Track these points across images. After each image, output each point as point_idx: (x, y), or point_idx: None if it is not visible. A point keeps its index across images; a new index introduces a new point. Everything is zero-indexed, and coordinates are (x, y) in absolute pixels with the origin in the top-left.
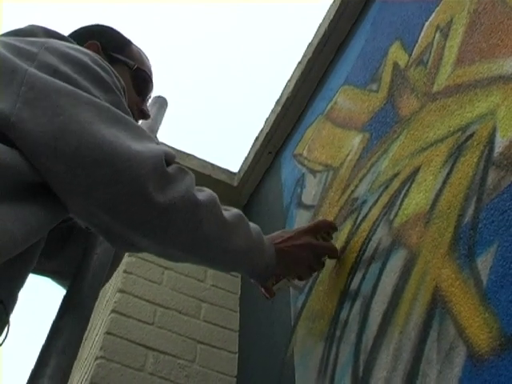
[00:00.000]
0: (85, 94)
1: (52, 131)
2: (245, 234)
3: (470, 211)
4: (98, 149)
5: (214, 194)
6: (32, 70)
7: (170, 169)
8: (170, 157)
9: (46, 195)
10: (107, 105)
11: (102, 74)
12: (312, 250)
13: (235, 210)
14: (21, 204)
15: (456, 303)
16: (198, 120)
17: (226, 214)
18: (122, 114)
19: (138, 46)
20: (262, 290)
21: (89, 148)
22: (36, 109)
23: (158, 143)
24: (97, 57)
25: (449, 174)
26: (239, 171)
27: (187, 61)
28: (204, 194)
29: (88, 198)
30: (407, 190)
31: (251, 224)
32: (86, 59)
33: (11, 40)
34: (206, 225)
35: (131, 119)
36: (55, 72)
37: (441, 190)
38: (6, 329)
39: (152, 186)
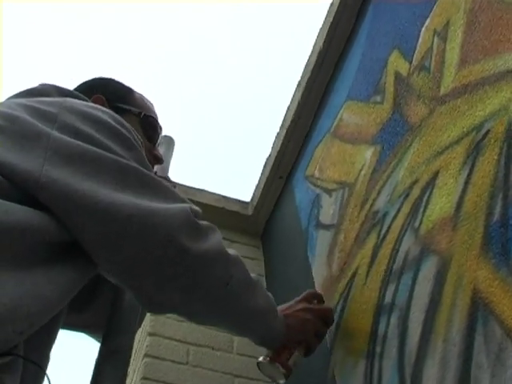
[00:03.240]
0: (109, 154)
1: (81, 192)
2: (264, 295)
3: (498, 209)
4: (127, 208)
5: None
6: (55, 133)
7: (201, 223)
8: (196, 212)
9: (75, 254)
10: (132, 165)
11: (123, 131)
12: (313, 313)
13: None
14: (52, 266)
15: (498, 303)
16: (203, 154)
17: (251, 273)
18: (146, 173)
19: (139, 91)
20: (281, 368)
21: (119, 207)
22: (63, 171)
23: (184, 199)
24: (115, 114)
25: (469, 174)
26: (252, 200)
27: (184, 95)
28: (232, 251)
29: (119, 255)
30: (429, 196)
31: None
32: (105, 117)
33: (28, 101)
34: (235, 281)
35: (155, 177)
36: (77, 133)
37: (464, 192)
38: None
39: (185, 237)
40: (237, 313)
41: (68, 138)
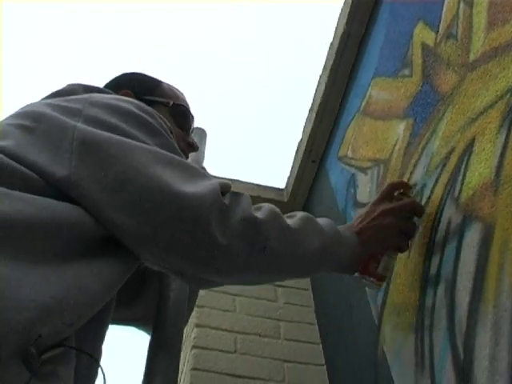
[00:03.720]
0: (133, 141)
1: (110, 184)
2: (316, 233)
3: None
4: (157, 192)
5: (274, 207)
6: (80, 125)
7: (226, 199)
8: (225, 187)
9: (116, 247)
10: (156, 148)
11: (148, 118)
12: (393, 214)
13: (300, 214)
14: (94, 259)
15: None
16: (234, 144)
17: (290, 221)
18: (173, 155)
19: (169, 82)
20: (371, 279)
21: (148, 193)
22: (91, 164)
23: (211, 178)
24: (139, 102)
25: (507, 137)
26: (287, 186)
27: (211, 86)
28: (263, 210)
29: (155, 243)
30: (466, 164)
31: (321, 220)
32: (129, 106)
33: (55, 101)
34: (273, 241)
35: (182, 159)
36: (102, 124)
37: (502, 155)
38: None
39: (214, 222)
40: (292, 266)
41: (93, 129)
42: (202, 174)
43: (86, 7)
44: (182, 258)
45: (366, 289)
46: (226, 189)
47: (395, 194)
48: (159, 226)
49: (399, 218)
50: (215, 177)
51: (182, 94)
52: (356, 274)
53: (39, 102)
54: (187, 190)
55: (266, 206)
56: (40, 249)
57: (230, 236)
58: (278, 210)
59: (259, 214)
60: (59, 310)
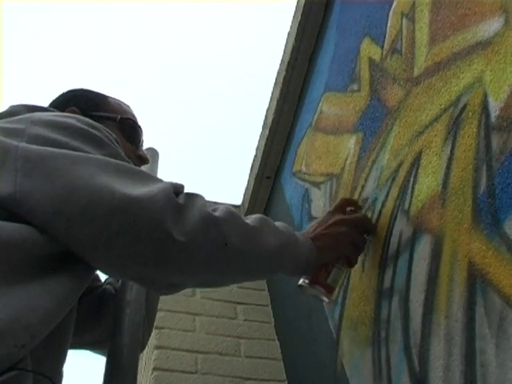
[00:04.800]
0: (79, 153)
1: (58, 195)
2: (273, 232)
3: (484, 180)
4: (107, 198)
5: (230, 207)
6: (23, 144)
7: (180, 199)
8: (177, 188)
9: (68, 262)
10: (102, 157)
11: (92, 130)
12: (347, 224)
13: (256, 215)
14: (46, 277)
15: (494, 273)
16: (188, 163)
17: (248, 221)
18: (120, 162)
19: (114, 96)
20: (320, 288)
21: (98, 200)
22: (36, 179)
23: (162, 180)
24: (82, 117)
25: (452, 150)
26: (243, 202)
27: (162, 105)
28: (220, 210)
29: (111, 250)
30: (415, 177)
31: (277, 222)
32: (72, 121)
33: None
34: (232, 238)
35: (130, 165)
36: (46, 141)
37: (448, 168)
38: None
39: (169, 221)
40: (251, 264)
41: (36, 146)
42: (152, 177)
43: (79, 8)
44: (140, 262)
45: (324, 304)
46: (179, 189)
47: (347, 209)
48: (113, 232)
49: (353, 230)
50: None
51: (128, 106)
52: (305, 282)
53: None
54: (138, 193)
55: (223, 206)
56: None
57: (188, 233)
58: (233, 210)
59: (217, 213)
60: (10, 331)
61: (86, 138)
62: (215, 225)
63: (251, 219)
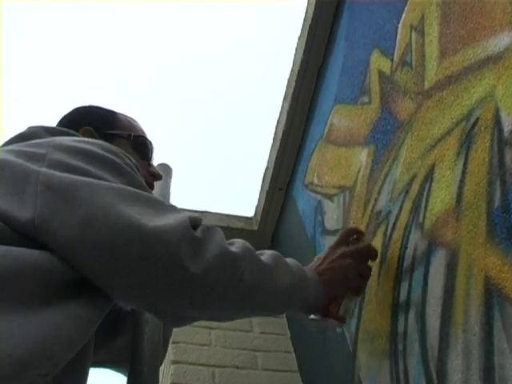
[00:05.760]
0: (100, 181)
1: (78, 225)
2: (286, 271)
3: (498, 195)
4: (126, 229)
5: (246, 243)
6: (44, 169)
7: (198, 232)
8: (195, 221)
9: (89, 288)
10: (123, 186)
11: (113, 157)
12: (351, 256)
13: (269, 252)
14: (68, 303)
15: (511, 287)
16: (201, 176)
17: (262, 258)
18: (140, 191)
19: (122, 112)
20: (332, 321)
21: (117, 230)
22: (56, 207)
23: (180, 211)
24: (102, 142)
25: (465, 164)
26: (255, 215)
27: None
28: (237, 245)
29: (127, 280)
30: (428, 190)
31: (287, 259)
32: (93, 148)
33: (17, 147)
34: (247, 275)
35: (150, 194)
36: (67, 167)
37: (462, 182)
38: None
39: (185, 255)
40: (263, 301)
41: (57, 172)
42: (171, 207)
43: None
44: (155, 293)
45: None
46: (197, 222)
47: (351, 239)
48: (130, 263)
49: (357, 260)
50: (185, 210)
51: (136, 121)
52: (316, 316)
53: (1, 149)
54: (156, 224)
55: (240, 241)
56: (14, 299)
57: (204, 268)
58: (250, 245)
59: (234, 248)
60: (35, 362)
61: (106, 165)
62: (232, 260)
63: (265, 256)
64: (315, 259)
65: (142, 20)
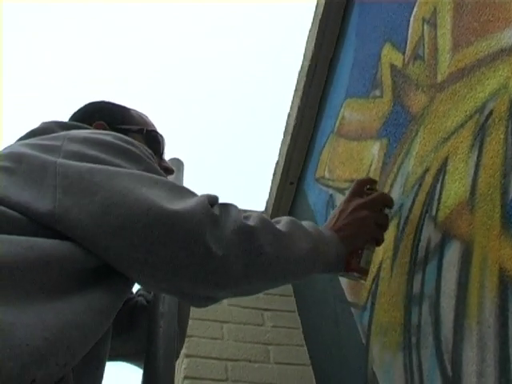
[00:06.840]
0: (117, 168)
1: (96, 211)
2: (304, 235)
3: None
4: (145, 212)
5: (262, 214)
6: (61, 160)
7: (216, 210)
8: (213, 199)
9: (107, 277)
10: (140, 172)
11: (129, 146)
12: (367, 207)
13: (285, 218)
14: (87, 293)
15: None
16: (212, 170)
17: (279, 226)
18: (157, 176)
19: (134, 107)
20: (354, 274)
21: (137, 214)
22: (75, 195)
23: (197, 194)
24: (117, 133)
25: (479, 156)
26: (266, 208)
27: (183, 111)
28: (253, 218)
29: (150, 264)
30: (442, 183)
31: (303, 222)
32: (108, 138)
33: (32, 141)
34: (267, 246)
35: (166, 179)
36: (83, 157)
37: (476, 174)
38: None
39: (207, 234)
40: (285, 270)
41: (74, 162)
42: (189, 190)
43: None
44: (179, 276)
45: (352, 309)
46: (214, 200)
47: (365, 189)
48: (152, 246)
49: (373, 211)
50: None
51: (147, 117)
52: (342, 271)
53: (16, 143)
54: (176, 207)
55: (255, 214)
56: (32, 289)
57: (225, 246)
58: (266, 216)
59: (251, 222)
60: (54, 352)
61: (123, 153)
62: (250, 234)
63: (282, 224)
64: (331, 215)
65: (143, 20)
